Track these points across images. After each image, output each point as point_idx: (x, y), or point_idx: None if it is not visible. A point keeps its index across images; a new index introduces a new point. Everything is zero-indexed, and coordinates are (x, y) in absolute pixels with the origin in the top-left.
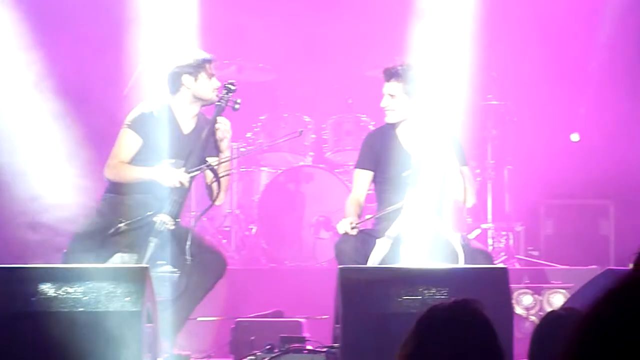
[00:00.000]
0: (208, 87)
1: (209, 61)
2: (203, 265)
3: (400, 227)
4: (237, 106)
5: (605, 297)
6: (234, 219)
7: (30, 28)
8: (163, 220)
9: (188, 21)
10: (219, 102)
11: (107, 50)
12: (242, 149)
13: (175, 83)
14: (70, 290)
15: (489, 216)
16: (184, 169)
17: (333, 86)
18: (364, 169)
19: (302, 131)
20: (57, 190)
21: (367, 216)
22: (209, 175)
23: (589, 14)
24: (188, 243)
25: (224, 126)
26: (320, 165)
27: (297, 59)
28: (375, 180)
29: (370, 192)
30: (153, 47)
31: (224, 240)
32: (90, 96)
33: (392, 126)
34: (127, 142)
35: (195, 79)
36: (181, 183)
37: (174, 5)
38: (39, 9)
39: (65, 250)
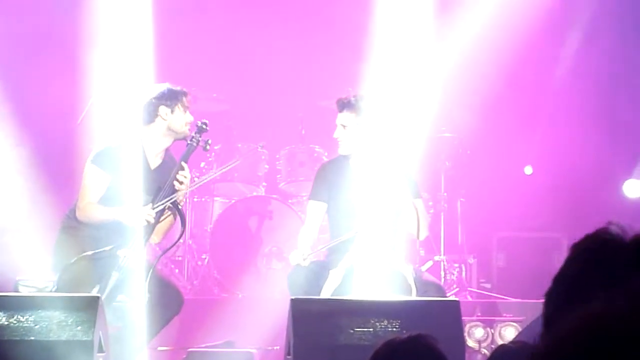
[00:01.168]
0: (182, 120)
1: (185, 94)
2: (160, 300)
3: (353, 258)
4: (207, 147)
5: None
6: (186, 249)
7: None
8: (127, 256)
9: (142, 51)
10: (190, 141)
11: (62, 79)
12: (195, 178)
13: (151, 114)
14: (21, 318)
15: (442, 248)
16: (150, 205)
17: (286, 116)
18: (318, 200)
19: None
20: (11, 217)
21: (320, 247)
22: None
23: (543, 46)
24: (147, 279)
25: (186, 175)
26: (274, 196)
27: (251, 90)
28: (328, 211)
29: (324, 223)
30: (107, 78)
31: (176, 270)
32: (45, 124)
33: (346, 157)
34: (94, 181)
35: (172, 111)
36: (147, 221)
37: (129, 35)
38: None
39: (18, 278)
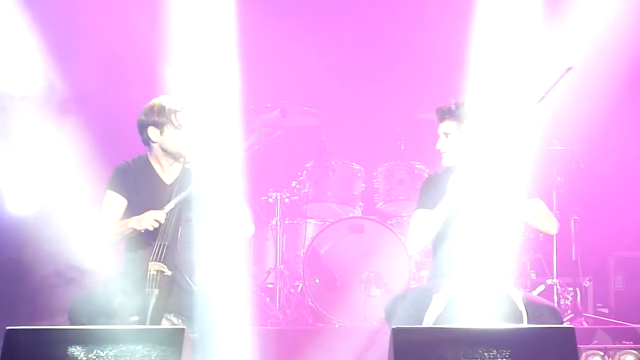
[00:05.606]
0: (175, 140)
1: (174, 111)
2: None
3: (457, 283)
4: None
5: None
6: (278, 276)
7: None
8: (155, 268)
9: (228, 63)
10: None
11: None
12: (286, 200)
13: (143, 135)
14: (101, 353)
15: (554, 270)
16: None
17: (384, 131)
18: (427, 208)
19: (261, 132)
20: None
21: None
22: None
23: None
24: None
25: None
26: (371, 217)
27: (345, 102)
28: None
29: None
30: (191, 89)
31: (268, 299)
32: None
33: (450, 170)
34: (109, 204)
35: (161, 132)
36: (157, 221)
37: (214, 46)
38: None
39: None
